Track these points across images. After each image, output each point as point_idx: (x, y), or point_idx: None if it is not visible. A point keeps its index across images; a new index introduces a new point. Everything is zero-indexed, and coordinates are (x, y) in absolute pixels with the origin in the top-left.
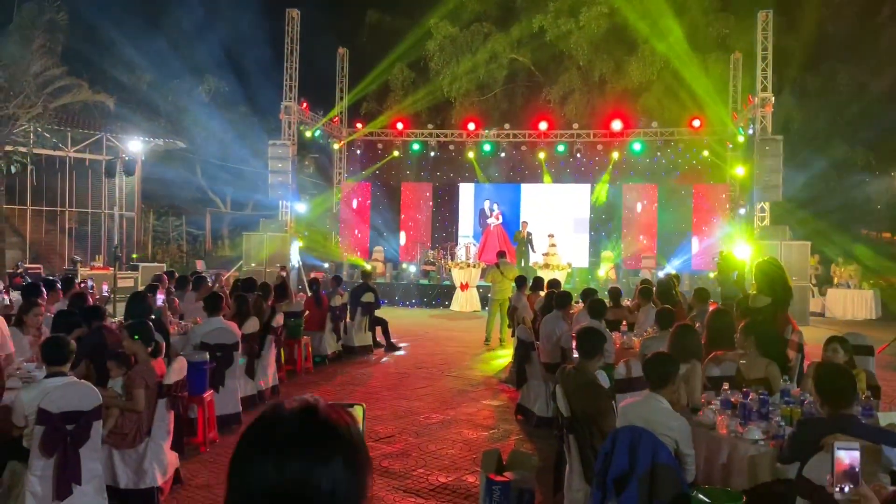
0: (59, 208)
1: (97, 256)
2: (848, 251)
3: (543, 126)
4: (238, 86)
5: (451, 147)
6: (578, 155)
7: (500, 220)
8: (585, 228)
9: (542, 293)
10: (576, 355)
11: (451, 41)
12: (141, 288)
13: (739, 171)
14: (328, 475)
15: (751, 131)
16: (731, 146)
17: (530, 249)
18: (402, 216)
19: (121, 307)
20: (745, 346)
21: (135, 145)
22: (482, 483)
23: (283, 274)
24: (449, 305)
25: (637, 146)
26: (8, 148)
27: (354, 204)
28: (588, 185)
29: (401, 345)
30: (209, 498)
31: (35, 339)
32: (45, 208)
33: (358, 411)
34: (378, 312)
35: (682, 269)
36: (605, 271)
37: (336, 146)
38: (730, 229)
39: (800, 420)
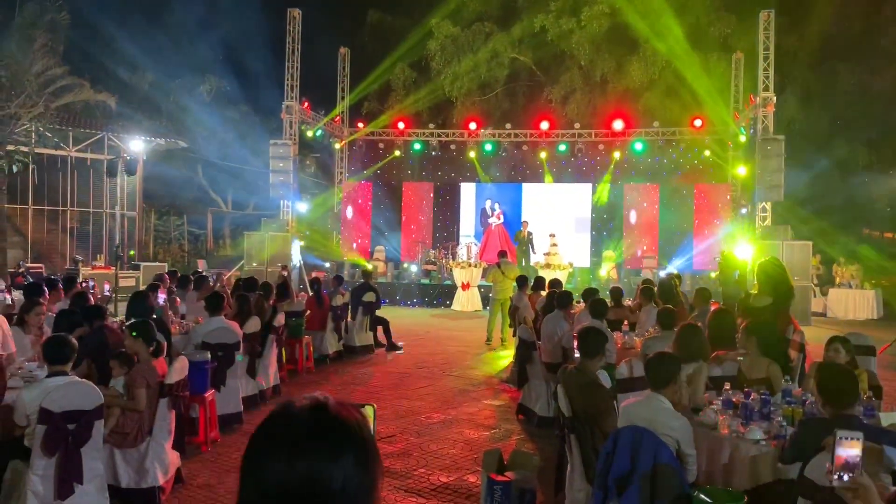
0: (60, 208)
1: (98, 256)
2: (850, 251)
3: (545, 126)
4: (239, 85)
5: (453, 147)
6: (580, 154)
7: (502, 220)
8: (587, 228)
9: (544, 293)
10: (577, 355)
11: (452, 41)
12: (142, 287)
13: (741, 170)
14: (339, 472)
15: (752, 131)
16: (732, 146)
17: (531, 249)
18: (404, 216)
19: (122, 306)
20: (746, 346)
21: (136, 145)
22: (483, 483)
23: (285, 273)
24: (450, 305)
25: (638, 146)
26: (9, 147)
27: (355, 204)
28: (589, 185)
29: (398, 343)
30: (210, 497)
31: (37, 339)
32: (46, 208)
33: (368, 411)
34: (379, 312)
35: (684, 268)
36: (606, 271)
37: (337, 146)
38: (731, 229)
39: (801, 420)
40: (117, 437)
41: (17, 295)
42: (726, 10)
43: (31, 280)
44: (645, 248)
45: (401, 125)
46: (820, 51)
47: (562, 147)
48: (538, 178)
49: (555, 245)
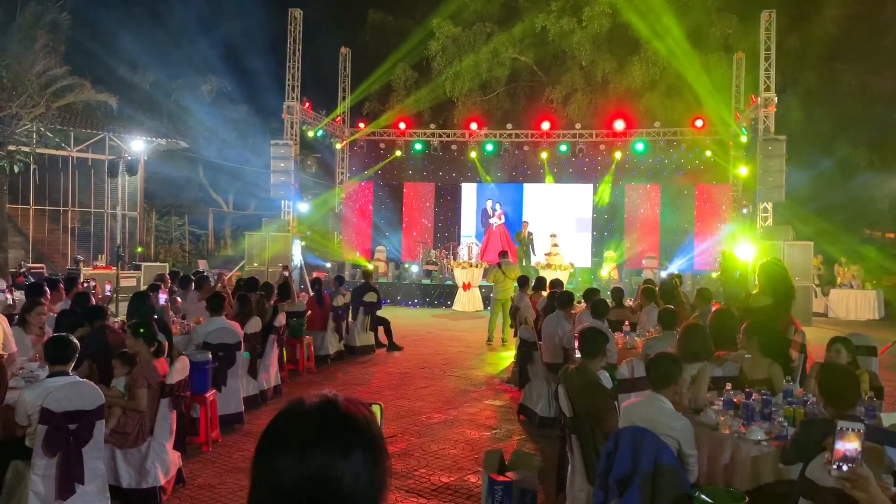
0: (61, 208)
1: (100, 256)
2: (851, 251)
3: (546, 126)
4: (241, 85)
5: (454, 147)
6: (581, 155)
7: (503, 220)
8: (588, 228)
9: (545, 293)
10: (578, 355)
11: (453, 41)
12: (143, 288)
13: (742, 171)
14: (350, 467)
15: (754, 131)
16: (733, 146)
17: (531, 250)
18: (405, 216)
19: (123, 307)
20: (747, 347)
21: (137, 145)
22: (484, 483)
23: (286, 274)
24: (451, 305)
25: (640, 146)
26: (11, 147)
27: (356, 204)
28: (590, 185)
29: (396, 344)
30: (211, 497)
31: (38, 339)
32: (47, 208)
33: (375, 410)
34: (380, 312)
35: (685, 269)
36: (607, 271)
37: (338, 146)
38: (733, 229)
39: (803, 421)
40: (118, 437)
41: (19, 295)
42: (727, 10)
43: (33, 280)
44: (645, 247)
45: (402, 125)
46: (821, 51)
47: (563, 147)
48: (539, 179)
49: (556, 245)
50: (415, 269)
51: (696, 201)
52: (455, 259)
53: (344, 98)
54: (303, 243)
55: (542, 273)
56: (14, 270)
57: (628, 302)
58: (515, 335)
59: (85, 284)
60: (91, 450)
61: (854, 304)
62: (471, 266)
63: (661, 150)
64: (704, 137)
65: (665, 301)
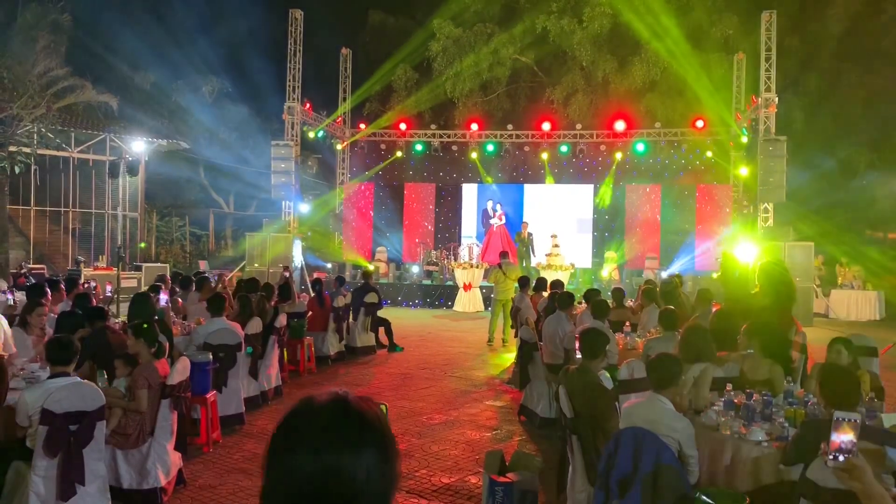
0: (62, 209)
1: (100, 257)
2: (852, 252)
3: (546, 126)
4: (241, 86)
5: (455, 147)
6: (581, 155)
7: (504, 221)
8: (589, 229)
9: (546, 294)
10: (579, 356)
11: (454, 42)
12: (144, 288)
13: (743, 171)
14: (361, 464)
15: (754, 132)
16: (734, 146)
17: (531, 250)
18: (405, 217)
19: (124, 307)
20: (748, 348)
21: (138, 146)
22: (485, 484)
23: (287, 274)
24: (452, 306)
25: (640, 147)
26: (12, 148)
27: (357, 205)
28: (591, 186)
29: (396, 344)
30: (212, 498)
31: (38, 340)
32: (48, 209)
33: (382, 409)
34: (381, 313)
35: (686, 269)
36: (608, 272)
37: (339, 146)
38: (733, 230)
39: (804, 421)
40: (119, 437)
41: (20, 295)
42: (728, 10)
43: (34, 281)
44: (646, 248)
45: (402, 126)
46: (822, 51)
47: (563, 148)
48: (540, 179)
49: (556, 246)
50: (415, 269)
51: (697, 202)
52: (456, 260)
53: (345, 99)
54: (303, 244)
55: (543, 274)
56: (15, 271)
57: (629, 302)
58: (516, 336)
59: (86, 285)
60: (92, 451)
61: (855, 304)
62: (471, 267)
63: (662, 150)
64: (705, 138)
65: (666, 302)
